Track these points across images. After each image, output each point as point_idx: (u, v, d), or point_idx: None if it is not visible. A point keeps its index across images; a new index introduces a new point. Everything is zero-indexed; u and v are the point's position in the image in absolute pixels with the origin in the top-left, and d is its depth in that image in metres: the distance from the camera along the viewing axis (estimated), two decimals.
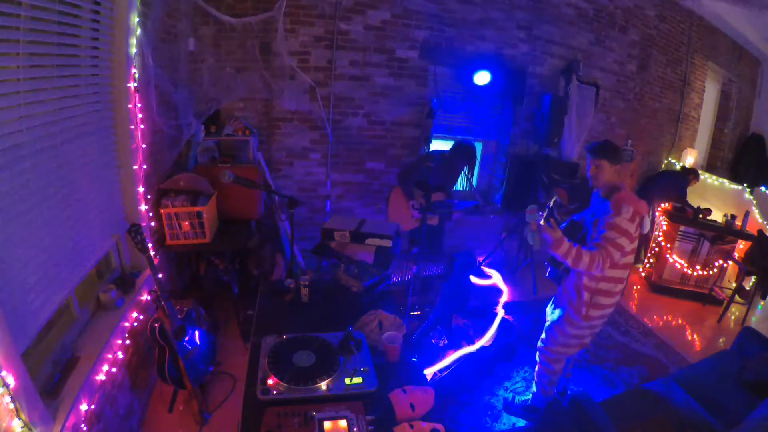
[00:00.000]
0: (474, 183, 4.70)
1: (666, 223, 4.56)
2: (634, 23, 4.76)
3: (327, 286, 2.17)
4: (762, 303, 4.13)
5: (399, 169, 3.91)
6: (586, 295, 2.23)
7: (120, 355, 2.04)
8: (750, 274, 4.13)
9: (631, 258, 2.20)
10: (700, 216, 4.45)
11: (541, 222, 2.07)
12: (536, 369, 2.59)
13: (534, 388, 2.63)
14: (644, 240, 4.98)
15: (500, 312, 3.64)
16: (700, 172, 5.23)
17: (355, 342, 1.66)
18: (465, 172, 3.63)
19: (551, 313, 2.49)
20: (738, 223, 4.29)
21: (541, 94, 4.29)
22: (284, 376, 1.49)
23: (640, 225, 2.13)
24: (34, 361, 1.56)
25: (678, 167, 5.44)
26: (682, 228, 4.44)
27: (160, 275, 2.18)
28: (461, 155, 3.54)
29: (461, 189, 4.61)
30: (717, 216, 4.59)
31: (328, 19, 3.62)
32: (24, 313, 1.42)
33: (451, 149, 3.58)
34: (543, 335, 2.53)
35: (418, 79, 4.01)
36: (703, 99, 5.95)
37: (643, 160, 5.49)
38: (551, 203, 2.26)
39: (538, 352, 2.55)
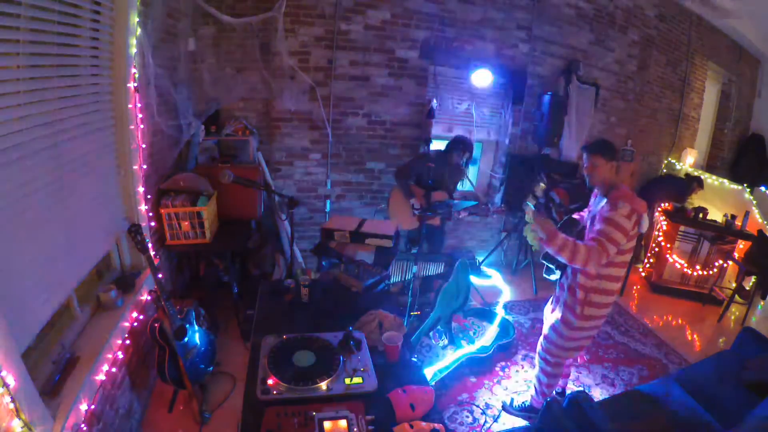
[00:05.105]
0: (473, 182, 4.69)
1: (666, 223, 4.56)
2: (634, 23, 4.75)
3: (327, 286, 2.17)
4: (762, 303, 4.13)
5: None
6: (580, 294, 2.23)
7: (120, 355, 2.04)
8: (750, 274, 4.13)
9: (627, 257, 2.18)
10: (700, 216, 4.45)
11: (529, 212, 2.08)
12: (535, 373, 2.59)
13: (533, 391, 2.64)
14: (643, 240, 4.97)
15: (500, 312, 3.64)
16: (700, 173, 5.22)
17: (355, 342, 1.66)
18: (462, 164, 3.60)
19: (549, 317, 2.49)
20: (738, 223, 4.28)
21: (541, 94, 4.29)
22: (284, 376, 1.49)
23: (638, 223, 2.11)
24: (34, 361, 1.56)
25: (683, 174, 5.40)
26: (682, 228, 4.44)
27: (160, 275, 2.19)
28: (456, 146, 3.52)
29: (461, 189, 4.61)
30: (717, 216, 4.59)
31: (328, 19, 3.62)
32: (24, 313, 1.42)
33: (446, 146, 3.57)
34: (541, 340, 2.52)
35: (418, 79, 4.01)
36: (703, 99, 5.94)
37: (643, 160, 5.48)
38: (539, 192, 2.24)
39: (537, 356, 2.55)
